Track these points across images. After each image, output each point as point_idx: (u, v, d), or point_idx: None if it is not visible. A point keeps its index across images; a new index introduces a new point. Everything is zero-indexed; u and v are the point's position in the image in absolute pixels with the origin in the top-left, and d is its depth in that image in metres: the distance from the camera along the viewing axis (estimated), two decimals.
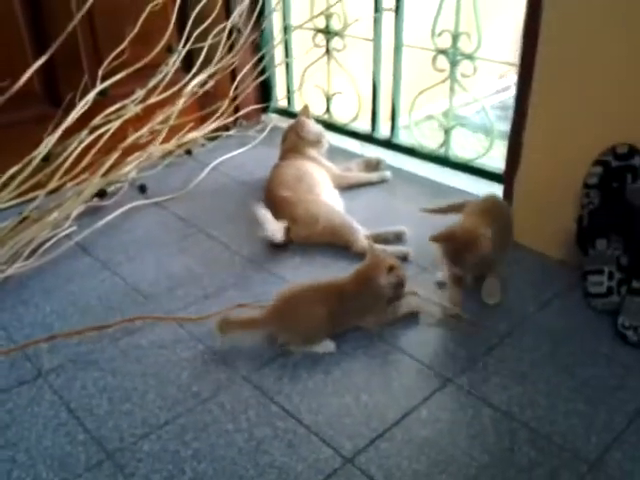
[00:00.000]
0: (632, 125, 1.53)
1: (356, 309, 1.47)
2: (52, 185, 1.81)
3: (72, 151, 1.86)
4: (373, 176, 2.21)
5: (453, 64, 2.07)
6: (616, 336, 1.46)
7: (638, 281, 1.45)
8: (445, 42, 2.06)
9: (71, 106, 1.88)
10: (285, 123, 2.54)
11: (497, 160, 2.08)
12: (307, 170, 2.02)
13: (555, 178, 1.69)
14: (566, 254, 1.70)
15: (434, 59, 2.10)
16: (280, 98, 2.70)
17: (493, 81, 3.66)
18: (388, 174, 2.22)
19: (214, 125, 2.38)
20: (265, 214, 1.79)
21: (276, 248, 1.80)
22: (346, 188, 2.12)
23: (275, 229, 1.78)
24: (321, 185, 1.99)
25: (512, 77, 3.74)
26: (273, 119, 2.68)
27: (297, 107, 2.67)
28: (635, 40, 1.46)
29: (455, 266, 1.49)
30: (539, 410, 1.28)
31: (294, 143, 2.14)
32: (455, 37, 2.03)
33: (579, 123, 1.61)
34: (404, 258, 1.73)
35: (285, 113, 2.69)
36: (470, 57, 2.03)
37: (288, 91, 2.68)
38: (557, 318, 1.53)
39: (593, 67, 1.54)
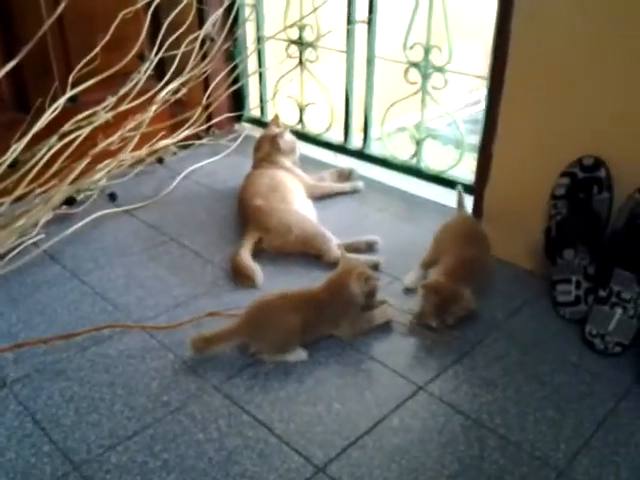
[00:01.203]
0: (598, 138, 1.56)
1: (329, 317, 1.47)
2: (19, 192, 1.78)
3: (40, 158, 1.83)
4: (346, 186, 2.22)
5: (424, 77, 2.10)
6: (584, 344, 1.48)
7: (604, 290, 1.48)
8: (417, 55, 2.09)
9: (40, 112, 1.85)
10: (258, 132, 2.54)
11: (467, 172, 2.11)
12: (281, 179, 2.02)
13: (524, 189, 1.72)
14: (535, 264, 1.72)
15: (406, 72, 2.13)
16: (253, 107, 2.70)
17: (463, 95, 3.72)
18: (360, 184, 2.23)
19: (186, 133, 2.36)
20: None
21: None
22: (319, 198, 2.12)
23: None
24: (294, 194, 1.99)
25: (482, 91, 3.81)
26: (246, 128, 2.68)
27: (270, 117, 2.68)
28: (601, 56, 1.50)
29: (438, 319, 1.50)
30: (509, 417, 1.29)
31: (268, 152, 2.14)
32: (427, 50, 2.06)
33: (547, 136, 1.64)
34: (375, 267, 1.73)
35: (258, 123, 2.69)
36: (441, 70, 2.06)
37: (261, 101, 2.68)
38: (526, 326, 1.55)
39: (561, 81, 1.58)
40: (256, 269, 1.71)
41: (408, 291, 1.65)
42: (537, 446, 1.22)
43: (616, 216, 1.54)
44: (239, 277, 1.70)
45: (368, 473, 1.16)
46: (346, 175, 2.28)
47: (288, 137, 2.18)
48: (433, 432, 1.26)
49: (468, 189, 2.01)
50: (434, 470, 1.17)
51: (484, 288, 1.60)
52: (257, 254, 1.80)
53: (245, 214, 1.93)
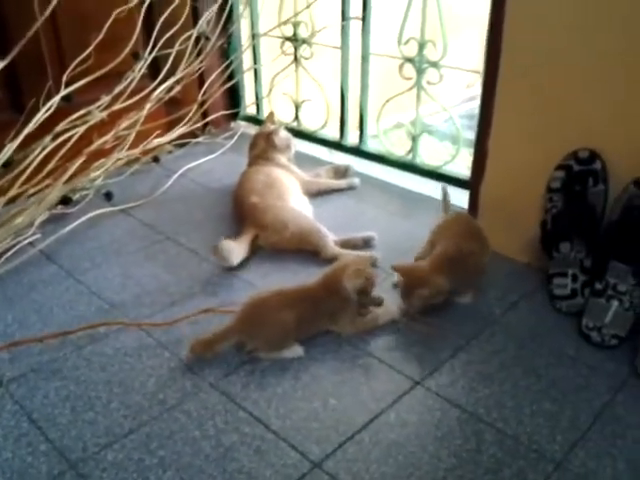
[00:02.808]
0: (592, 131, 1.56)
1: (325, 313, 1.47)
2: (13, 192, 1.78)
3: (35, 157, 1.82)
4: (342, 183, 2.22)
5: (419, 72, 2.10)
6: (580, 337, 1.48)
7: (600, 283, 1.48)
8: (411, 50, 2.08)
9: (34, 112, 1.85)
10: (254, 130, 2.54)
11: (464, 167, 2.11)
12: (276, 176, 2.02)
13: (520, 183, 1.72)
14: (532, 257, 1.72)
15: (401, 67, 2.12)
16: (248, 105, 2.70)
17: (461, 90, 3.71)
18: (357, 181, 2.23)
19: (181, 131, 2.36)
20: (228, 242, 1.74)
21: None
22: (315, 194, 2.12)
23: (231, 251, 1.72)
24: (290, 191, 1.98)
25: (479, 86, 3.80)
26: (242, 126, 2.68)
27: (266, 114, 2.67)
28: (595, 48, 1.49)
29: (402, 300, 1.53)
30: (506, 411, 1.29)
31: (263, 149, 2.14)
32: (421, 45, 2.06)
33: (542, 129, 1.64)
34: (372, 264, 1.73)
35: (254, 120, 2.69)
36: (436, 65, 2.05)
37: (257, 98, 2.68)
38: (523, 320, 1.55)
39: (555, 74, 1.57)
40: (232, 249, 1.71)
41: (396, 287, 1.64)
42: (534, 439, 1.22)
43: (611, 208, 1.54)
44: (217, 252, 1.70)
45: (365, 468, 1.16)
46: (342, 172, 2.28)
47: (283, 134, 2.18)
48: (430, 426, 1.25)
49: (464, 184, 2.02)
50: (431, 464, 1.17)
51: (472, 284, 1.59)
52: (254, 251, 1.80)
53: (241, 211, 1.93)
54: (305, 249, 1.81)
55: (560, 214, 1.59)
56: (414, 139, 2.20)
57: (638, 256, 1.45)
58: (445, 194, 1.79)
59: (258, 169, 2.07)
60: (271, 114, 2.27)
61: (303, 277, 1.66)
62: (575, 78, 1.55)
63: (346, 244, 1.82)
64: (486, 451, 1.20)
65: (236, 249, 1.74)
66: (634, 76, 1.46)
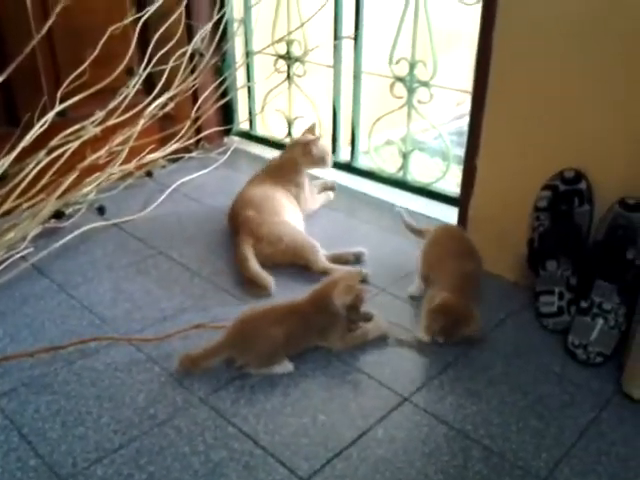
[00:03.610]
0: (578, 151, 1.59)
1: (314, 329, 1.48)
2: (7, 206, 1.79)
3: (29, 172, 1.84)
4: (331, 195, 2.24)
5: (410, 91, 2.13)
6: (566, 354, 1.50)
7: (585, 301, 1.50)
8: (402, 70, 2.12)
9: (29, 127, 1.87)
10: (247, 146, 2.57)
11: (454, 184, 2.14)
12: (273, 192, 2.02)
13: (508, 202, 1.75)
14: (519, 275, 1.75)
15: (392, 86, 2.16)
16: (242, 121, 2.73)
17: (451, 108, 3.76)
18: (332, 195, 2.25)
19: (175, 147, 2.38)
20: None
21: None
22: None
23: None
24: (285, 207, 1.99)
25: (469, 105, 3.84)
26: (235, 141, 2.70)
27: (259, 130, 2.71)
28: (583, 71, 1.53)
29: (440, 337, 1.50)
30: (492, 428, 1.30)
31: (294, 156, 2.10)
32: (412, 65, 2.10)
33: (529, 149, 1.67)
34: (363, 279, 1.75)
35: (247, 136, 2.71)
36: (426, 84, 2.09)
37: (250, 114, 2.71)
38: (510, 338, 1.57)
39: (542, 96, 1.61)
40: (269, 278, 1.73)
41: (414, 299, 1.67)
42: (520, 455, 1.24)
43: (597, 228, 1.57)
44: (254, 288, 1.72)
45: None
46: (330, 187, 2.30)
47: (322, 145, 2.13)
48: (417, 443, 1.27)
49: (454, 201, 2.04)
50: None
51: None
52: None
53: (236, 223, 1.93)
54: (297, 263, 1.82)
55: (547, 233, 1.61)
56: (405, 156, 2.23)
57: (623, 275, 1.48)
58: (402, 216, 1.85)
59: (260, 184, 2.05)
60: (313, 125, 2.23)
61: (295, 292, 1.67)
62: (563, 99, 1.58)
63: (337, 259, 1.84)
64: (472, 467, 1.21)
65: (270, 276, 1.75)
66: (620, 100, 1.49)
